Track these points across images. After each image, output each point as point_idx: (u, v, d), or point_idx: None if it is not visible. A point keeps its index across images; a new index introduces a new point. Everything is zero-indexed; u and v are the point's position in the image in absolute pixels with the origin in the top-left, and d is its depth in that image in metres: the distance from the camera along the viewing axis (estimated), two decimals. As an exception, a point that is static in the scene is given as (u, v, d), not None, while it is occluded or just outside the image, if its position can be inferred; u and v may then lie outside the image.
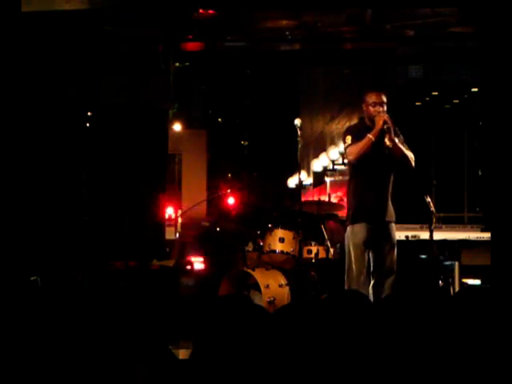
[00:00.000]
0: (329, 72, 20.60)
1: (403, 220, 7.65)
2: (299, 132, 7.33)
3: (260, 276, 7.83)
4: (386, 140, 6.61)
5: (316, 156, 20.08)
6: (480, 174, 12.44)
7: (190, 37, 9.18)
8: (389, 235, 6.70)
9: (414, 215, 7.85)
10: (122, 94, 9.00)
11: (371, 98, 6.68)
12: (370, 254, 6.64)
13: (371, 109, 6.66)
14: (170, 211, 23.47)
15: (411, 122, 10.68)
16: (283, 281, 7.90)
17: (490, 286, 6.08)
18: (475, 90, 13.14)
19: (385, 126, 6.56)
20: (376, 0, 8.28)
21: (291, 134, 7.66)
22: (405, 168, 6.72)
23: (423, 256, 8.09)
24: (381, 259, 6.64)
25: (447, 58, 10.72)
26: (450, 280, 8.31)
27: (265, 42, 9.65)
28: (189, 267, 14.06)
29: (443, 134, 12.99)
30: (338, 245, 8.34)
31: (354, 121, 14.91)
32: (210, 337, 3.26)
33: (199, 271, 13.06)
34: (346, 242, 6.72)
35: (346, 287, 6.63)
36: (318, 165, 19.48)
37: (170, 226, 20.38)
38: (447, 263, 8.19)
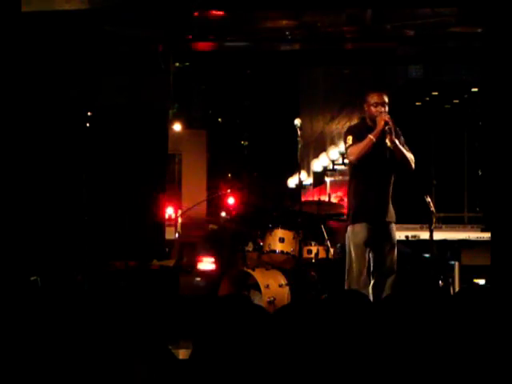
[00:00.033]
0: (329, 72, 20.61)
1: (403, 220, 7.65)
2: (299, 132, 7.33)
3: (260, 276, 7.82)
4: (387, 141, 6.61)
5: (316, 156, 20.09)
6: (480, 173, 12.44)
7: (190, 37, 9.18)
8: (389, 235, 6.70)
9: (414, 215, 7.85)
10: (122, 94, 9.00)
11: (373, 99, 6.67)
12: (370, 254, 6.64)
13: (373, 109, 6.65)
14: (170, 211, 23.50)
15: (411, 122, 10.68)
16: (283, 281, 7.90)
17: (490, 286, 6.08)
18: (475, 89, 13.15)
19: (386, 127, 6.55)
20: (376, 0, 8.28)
21: (291, 134, 7.66)
22: (405, 169, 6.71)
23: (427, 255, 8.09)
24: (381, 259, 6.64)
25: (447, 58, 10.72)
26: (450, 280, 8.31)
27: (265, 42, 9.64)
28: (201, 267, 14.13)
29: (443, 134, 12.99)
30: (338, 245, 8.33)
31: (354, 121, 14.92)
32: (210, 337, 3.26)
33: (211, 271, 13.13)
34: (346, 242, 6.71)
35: (346, 287, 6.63)
36: (318, 165, 19.49)
37: (170, 225, 20.40)
38: (448, 263, 8.19)
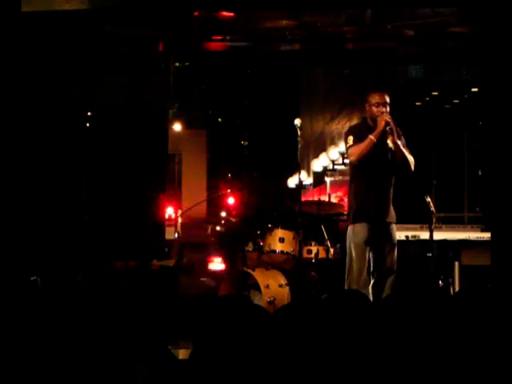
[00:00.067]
0: (329, 72, 20.62)
1: (403, 220, 7.64)
2: (299, 132, 7.32)
3: (260, 276, 7.82)
4: (389, 141, 6.60)
5: (316, 156, 20.10)
6: (480, 173, 12.44)
7: (190, 37, 9.18)
8: (389, 235, 6.70)
9: (414, 215, 7.85)
10: (122, 93, 9.00)
11: (374, 99, 6.66)
12: (371, 254, 6.64)
13: (374, 109, 6.64)
14: (170, 211, 23.51)
15: (411, 122, 10.68)
16: (283, 281, 7.90)
17: (490, 286, 6.08)
18: (475, 89, 13.15)
19: (387, 127, 6.54)
20: (376, 0, 8.28)
21: (291, 133, 7.65)
22: (404, 171, 6.71)
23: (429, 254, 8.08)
24: (381, 259, 6.64)
25: (447, 58, 10.71)
26: (450, 280, 8.31)
27: (265, 42, 9.64)
28: (212, 267, 14.21)
29: (443, 133, 12.99)
30: (338, 245, 8.33)
31: (354, 121, 14.94)
32: (210, 337, 3.26)
33: (221, 271, 13.26)
34: (347, 242, 6.71)
35: (346, 287, 6.63)
36: (318, 165, 19.49)
37: (170, 225, 20.42)
38: (448, 263, 8.19)
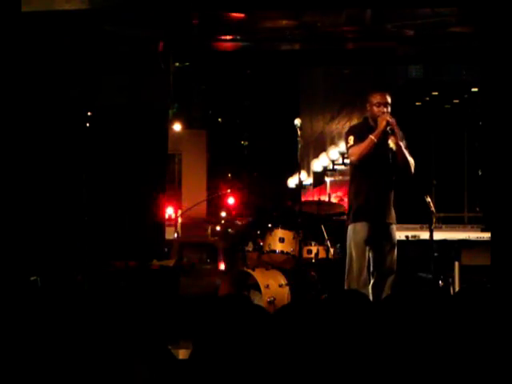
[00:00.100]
0: (329, 72, 20.64)
1: (403, 220, 7.64)
2: (299, 132, 7.32)
3: (260, 276, 7.82)
4: (390, 142, 6.60)
5: (316, 156, 20.11)
6: (480, 173, 12.45)
7: (190, 37, 9.18)
8: (389, 235, 6.70)
9: (414, 215, 7.84)
10: (122, 93, 8.99)
11: (376, 99, 6.66)
12: (370, 254, 6.64)
13: (375, 109, 6.64)
14: (170, 211, 23.53)
15: (411, 122, 10.68)
16: (283, 281, 7.89)
17: (490, 286, 6.09)
18: (475, 89, 13.16)
19: (387, 128, 6.54)
20: (376, 0, 8.27)
21: (291, 133, 7.65)
22: (404, 173, 6.71)
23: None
24: (381, 259, 6.64)
25: (447, 58, 10.71)
26: (450, 280, 8.31)
27: (265, 42, 9.64)
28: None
29: (443, 133, 13.00)
30: (338, 245, 8.33)
31: (354, 121, 14.94)
32: (210, 337, 3.26)
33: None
34: (347, 242, 6.71)
35: (346, 286, 6.63)
36: (318, 165, 19.50)
37: (170, 225, 20.44)
38: (448, 263, 8.19)
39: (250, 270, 7.90)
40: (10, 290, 5.63)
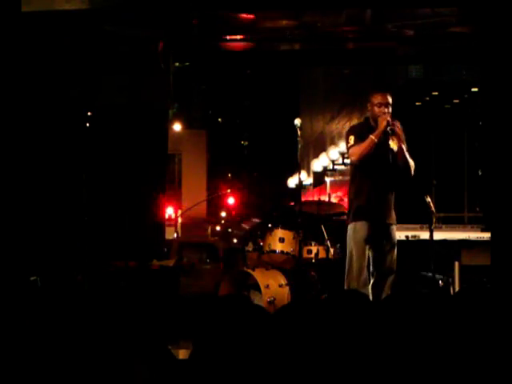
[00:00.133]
0: (329, 72, 20.66)
1: (403, 220, 7.64)
2: (299, 132, 7.32)
3: (260, 276, 7.82)
4: (391, 142, 6.60)
5: (316, 156, 20.12)
6: (480, 173, 12.45)
7: (190, 37, 9.18)
8: (389, 235, 6.69)
9: (414, 215, 7.84)
10: (122, 93, 8.99)
11: (377, 99, 6.66)
12: (370, 254, 6.64)
13: (376, 109, 6.64)
14: (170, 211, 23.53)
15: (411, 122, 10.68)
16: (283, 281, 7.89)
17: (490, 286, 6.09)
18: (475, 89, 13.17)
19: (388, 128, 6.54)
20: (376, 0, 8.27)
21: (291, 133, 7.65)
22: (404, 175, 6.71)
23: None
24: (381, 258, 6.64)
25: (447, 58, 10.71)
26: (450, 280, 8.32)
27: (265, 42, 9.64)
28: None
29: (443, 133, 13.01)
30: (338, 245, 8.33)
31: (354, 121, 14.96)
32: (210, 337, 3.26)
33: None
34: (347, 241, 6.71)
35: (345, 285, 6.62)
36: (318, 165, 19.51)
37: (170, 225, 20.44)
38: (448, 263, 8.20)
39: (250, 270, 7.90)
40: (10, 290, 5.63)
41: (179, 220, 24.60)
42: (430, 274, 7.32)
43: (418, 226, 8.17)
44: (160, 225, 9.74)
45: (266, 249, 8.12)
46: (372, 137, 6.56)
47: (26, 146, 7.18)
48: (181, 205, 27.54)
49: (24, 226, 6.72)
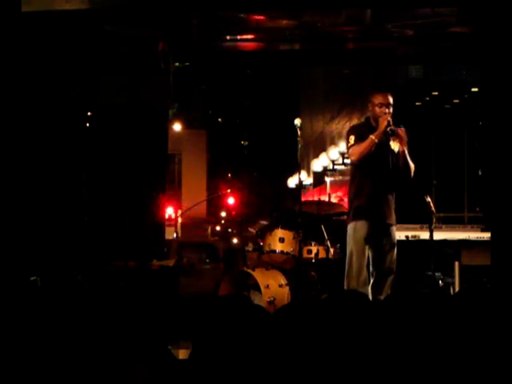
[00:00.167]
0: (329, 72, 20.65)
1: (403, 220, 7.65)
2: (299, 132, 7.32)
3: (260, 276, 7.82)
4: (392, 143, 6.61)
5: (316, 156, 20.11)
6: (480, 173, 12.45)
7: (190, 37, 9.18)
8: (389, 235, 6.70)
9: (414, 215, 7.85)
10: (122, 93, 8.99)
11: (378, 99, 6.66)
12: (370, 253, 6.64)
13: (377, 109, 6.64)
14: (170, 211, 23.52)
15: (411, 122, 10.69)
16: (283, 281, 7.89)
17: (490, 286, 6.09)
18: (475, 89, 13.17)
19: (388, 128, 6.55)
20: (376, 0, 8.27)
21: (291, 133, 7.65)
22: (404, 176, 6.71)
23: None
24: (380, 258, 6.64)
25: (447, 58, 10.71)
26: (450, 280, 8.32)
27: (265, 42, 9.64)
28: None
29: (443, 133, 13.01)
30: (338, 245, 8.33)
31: (354, 121, 14.95)
32: (210, 337, 3.26)
33: None
34: (347, 240, 6.71)
35: (345, 284, 6.63)
36: (318, 165, 19.50)
37: (170, 225, 20.43)
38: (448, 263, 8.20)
39: (250, 270, 7.90)
40: (10, 290, 5.63)
41: (179, 220, 24.59)
42: (430, 274, 7.32)
43: (418, 226, 8.17)
44: (160, 225, 9.74)
45: (266, 249, 8.12)
46: (372, 137, 6.56)
47: (26, 146, 7.19)
48: (181, 205, 27.54)
49: (24, 226, 6.72)
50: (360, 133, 6.70)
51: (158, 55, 9.23)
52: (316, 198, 14.42)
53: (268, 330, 3.29)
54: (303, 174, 21.95)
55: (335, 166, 18.11)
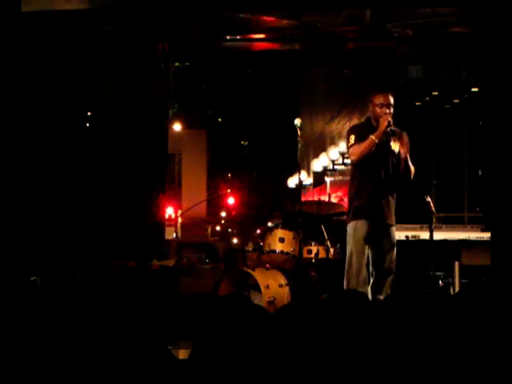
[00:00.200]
0: (329, 72, 20.63)
1: (403, 220, 7.64)
2: (299, 132, 7.32)
3: (260, 276, 7.82)
4: (393, 144, 6.61)
5: (316, 156, 20.09)
6: (480, 173, 12.45)
7: (190, 37, 9.18)
8: (389, 235, 6.70)
9: (414, 215, 7.85)
10: (122, 93, 8.99)
11: (378, 99, 6.66)
12: (370, 253, 6.64)
13: (378, 110, 6.64)
14: (170, 211, 23.52)
15: (411, 122, 10.69)
16: (283, 281, 7.89)
17: (490, 286, 6.09)
18: (475, 89, 13.17)
19: (388, 128, 6.55)
20: (376, 0, 8.27)
21: (291, 133, 7.65)
22: (404, 178, 6.72)
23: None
24: (380, 258, 6.64)
25: (447, 58, 10.71)
26: (450, 280, 8.32)
27: (265, 42, 9.64)
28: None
29: (443, 133, 13.00)
30: (338, 245, 8.34)
31: (354, 121, 14.95)
32: (210, 337, 3.26)
33: None
34: (347, 240, 6.71)
35: (344, 284, 6.63)
36: (318, 165, 19.48)
37: (170, 225, 20.43)
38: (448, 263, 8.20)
39: (250, 270, 7.90)
40: (10, 290, 5.63)
41: (179, 220, 24.58)
42: (430, 274, 7.32)
43: (418, 225, 8.18)
44: (160, 225, 9.74)
45: (266, 249, 8.12)
46: (372, 137, 6.56)
47: (26, 146, 7.19)
48: (181, 205, 27.54)
49: (24, 226, 6.73)
50: (360, 133, 6.70)
51: (158, 55, 9.23)
52: (316, 198, 14.41)
53: (268, 330, 3.29)
54: (303, 174, 21.93)
55: (335, 166, 18.10)
